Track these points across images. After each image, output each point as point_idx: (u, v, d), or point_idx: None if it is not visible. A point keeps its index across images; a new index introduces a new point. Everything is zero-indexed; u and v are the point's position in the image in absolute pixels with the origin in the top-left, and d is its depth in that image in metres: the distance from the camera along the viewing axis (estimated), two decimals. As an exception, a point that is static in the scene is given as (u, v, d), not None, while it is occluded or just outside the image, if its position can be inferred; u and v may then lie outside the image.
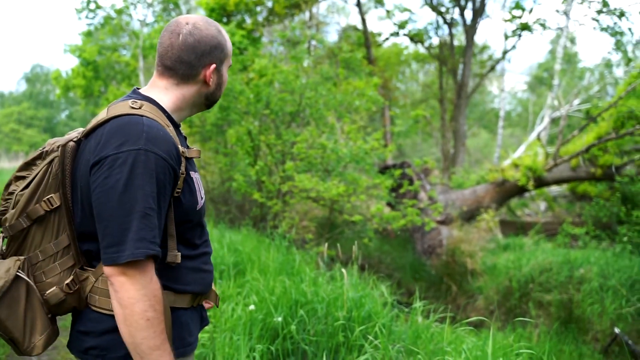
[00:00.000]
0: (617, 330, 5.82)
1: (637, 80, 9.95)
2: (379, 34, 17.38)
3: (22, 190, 1.38)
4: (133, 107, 1.36)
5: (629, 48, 16.57)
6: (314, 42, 14.22)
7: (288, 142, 7.66)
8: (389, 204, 9.21)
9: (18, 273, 1.34)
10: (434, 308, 4.18)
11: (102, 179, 1.26)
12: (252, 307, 3.47)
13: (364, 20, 15.18)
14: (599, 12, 15.51)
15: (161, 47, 1.45)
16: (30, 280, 1.36)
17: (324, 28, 19.82)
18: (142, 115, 1.34)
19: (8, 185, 1.43)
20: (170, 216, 1.36)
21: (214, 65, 1.48)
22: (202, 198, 1.48)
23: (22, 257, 1.37)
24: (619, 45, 16.58)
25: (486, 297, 7.82)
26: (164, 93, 1.47)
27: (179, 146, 1.36)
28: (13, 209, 1.38)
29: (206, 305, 1.65)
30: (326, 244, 4.55)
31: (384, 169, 10.29)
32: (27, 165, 1.41)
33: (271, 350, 3.23)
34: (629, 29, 17.78)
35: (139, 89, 1.49)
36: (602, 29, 16.04)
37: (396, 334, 3.42)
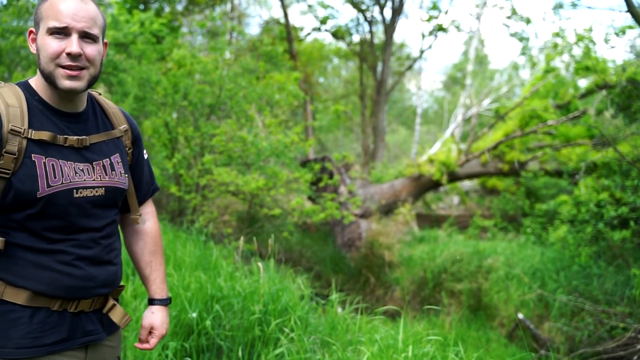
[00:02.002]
0: (520, 315, 6.22)
1: (540, 82, 10.65)
2: (301, 29, 17.41)
3: None
4: None
5: (534, 52, 17.72)
6: (235, 34, 14.01)
7: (207, 134, 7.49)
8: (309, 198, 9.28)
9: None
10: (351, 299, 4.25)
11: None
12: (165, 303, 3.36)
13: (286, 14, 15.14)
14: (509, 17, 16.46)
15: None
16: None
17: (245, 20, 19.58)
18: None
19: None
20: None
21: (30, 29, 1.40)
22: (51, 186, 1.34)
23: None
24: (524, 50, 17.69)
25: (402, 287, 8.09)
26: (37, 73, 1.42)
27: (9, 124, 1.29)
28: None
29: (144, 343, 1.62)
30: (242, 238, 4.50)
31: (304, 163, 10.35)
32: None
33: (185, 347, 3.15)
34: (535, 34, 18.94)
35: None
36: (511, 35, 17.05)
37: (312, 325, 3.45)
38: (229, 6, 16.91)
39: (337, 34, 17.28)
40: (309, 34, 17.50)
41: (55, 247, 1.37)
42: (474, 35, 16.44)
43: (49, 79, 1.36)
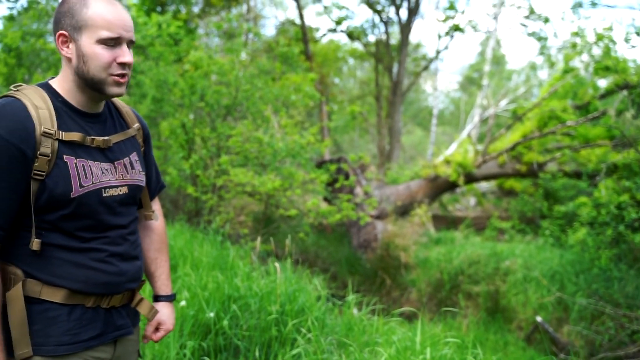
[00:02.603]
0: (539, 318, 6.14)
1: (559, 82, 10.53)
2: (317, 30, 17.43)
3: None
4: (12, 90, 1.37)
5: (553, 52, 17.50)
6: (250, 35, 14.07)
7: (223, 135, 7.53)
8: (325, 199, 9.27)
9: None
10: (367, 301, 4.24)
11: None
12: (183, 303, 3.38)
13: (301, 15, 15.16)
14: (526, 17, 16.29)
15: None
16: None
17: (261, 21, 19.65)
18: (10, 97, 1.34)
19: None
20: (29, 199, 1.32)
21: (60, 32, 1.39)
22: (83, 187, 1.37)
23: None
24: (543, 50, 17.49)
25: (419, 289, 8.04)
26: (60, 75, 1.45)
27: (41, 127, 1.31)
28: None
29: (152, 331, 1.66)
30: (259, 238, 4.51)
31: (320, 164, 10.34)
32: None
33: (203, 347, 3.17)
34: (554, 33, 18.74)
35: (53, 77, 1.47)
36: (529, 34, 16.86)
37: (329, 326, 3.44)
38: (244, 8, 17.00)
39: (352, 35, 17.26)
40: (324, 35, 17.51)
41: (88, 245, 1.40)
42: (491, 35, 16.30)
43: (97, 85, 1.40)
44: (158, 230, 1.77)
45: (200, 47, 9.30)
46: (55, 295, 1.36)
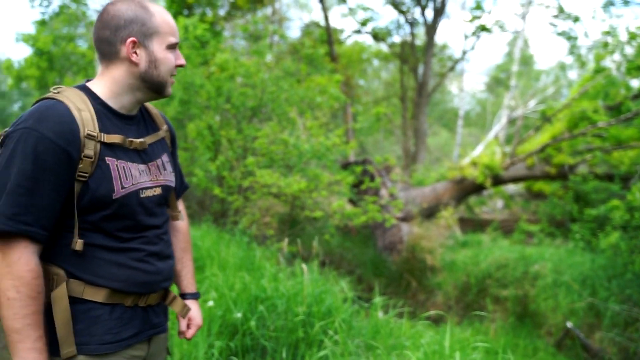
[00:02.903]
0: (569, 324, 6.00)
1: (589, 83, 10.30)
2: (342, 31, 17.41)
3: None
4: (53, 92, 1.38)
5: (583, 51, 17.14)
6: (276, 38, 14.13)
7: (249, 137, 7.57)
8: (350, 201, 9.24)
9: None
10: (394, 303, 4.20)
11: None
12: (210, 303, 3.40)
13: (326, 17, 15.17)
14: (555, 16, 15.99)
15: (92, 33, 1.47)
16: None
17: (286, 23, 19.73)
18: (52, 99, 1.36)
19: None
20: (73, 200, 1.34)
21: (131, 39, 1.40)
22: (124, 188, 1.40)
23: None
24: (573, 49, 17.15)
25: (445, 292, 7.95)
26: (99, 79, 1.46)
27: (85, 129, 1.33)
28: None
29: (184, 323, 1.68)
30: (286, 240, 4.51)
31: (345, 166, 10.31)
32: None
33: (230, 347, 3.18)
34: (584, 33, 18.34)
35: (89, 80, 1.49)
36: (558, 34, 16.55)
37: (356, 329, 3.42)
38: (270, 10, 17.09)
39: (377, 36, 17.19)
40: (349, 36, 17.49)
41: (127, 245, 1.43)
42: (519, 34, 16.06)
43: (160, 87, 1.48)
44: (183, 230, 1.81)
45: (226, 50, 9.38)
46: (97, 295, 1.38)
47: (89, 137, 1.33)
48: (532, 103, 17.44)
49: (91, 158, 1.33)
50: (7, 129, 1.33)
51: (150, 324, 1.52)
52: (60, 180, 1.30)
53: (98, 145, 1.35)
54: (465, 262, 8.25)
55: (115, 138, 1.40)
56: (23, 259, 1.26)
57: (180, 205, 1.83)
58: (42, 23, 20.17)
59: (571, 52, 17.21)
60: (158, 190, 1.52)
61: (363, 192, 9.37)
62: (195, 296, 1.78)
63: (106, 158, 1.37)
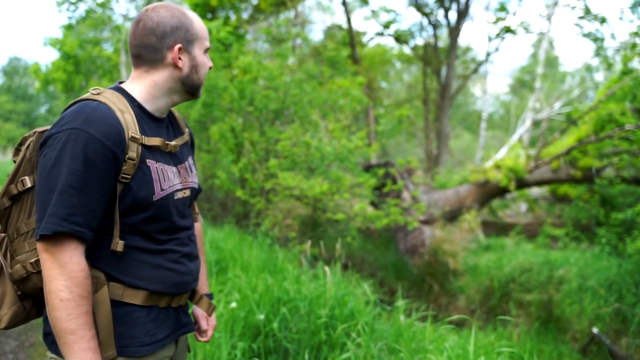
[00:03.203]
0: (595, 330, 5.89)
1: (616, 85, 10.11)
2: (364, 34, 17.40)
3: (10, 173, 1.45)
4: (92, 94, 1.40)
5: (610, 53, 16.83)
6: (298, 40, 14.18)
7: (272, 139, 7.61)
8: (372, 203, 9.22)
9: None
10: (416, 307, 4.18)
11: (42, 156, 1.32)
12: (233, 304, 3.43)
13: (349, 20, 15.18)
14: (581, 17, 15.72)
15: (128, 39, 1.48)
16: (7, 256, 1.42)
17: (309, 26, 19.78)
18: (94, 100, 1.37)
19: None
20: (115, 202, 1.35)
21: (178, 46, 1.44)
22: (163, 190, 1.42)
23: (2, 234, 1.43)
24: (599, 51, 16.84)
25: (467, 296, 7.88)
26: (136, 82, 1.48)
27: (129, 131, 1.35)
28: None
29: (200, 320, 1.69)
30: (309, 242, 4.52)
31: (367, 168, 10.30)
32: (17, 151, 1.47)
33: (253, 348, 3.20)
34: (611, 34, 17.99)
35: (122, 82, 1.50)
36: (584, 35, 16.27)
37: (378, 332, 3.41)
38: (292, 13, 17.16)
39: (400, 38, 17.14)
40: (371, 38, 17.46)
41: (164, 247, 1.45)
42: (544, 36, 15.84)
43: (196, 90, 1.54)
44: (199, 231, 1.83)
45: (249, 53, 9.45)
46: (136, 298, 1.40)
47: (133, 139, 1.36)
48: (557, 105, 17.18)
49: (134, 160, 1.35)
50: (49, 129, 1.34)
51: (181, 324, 1.55)
52: (107, 182, 1.32)
53: (140, 148, 1.37)
54: (489, 266, 8.16)
55: (155, 141, 1.42)
56: (74, 259, 1.27)
57: (195, 208, 1.86)
58: (69, 27, 20.60)
59: (597, 54, 16.90)
60: (187, 192, 1.54)
61: (385, 194, 9.35)
62: (210, 297, 1.80)
63: (147, 160, 1.39)
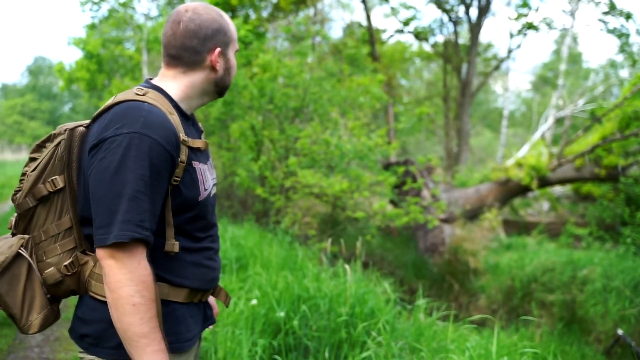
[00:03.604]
0: (620, 331, 5.78)
1: (643, 81, 9.89)
2: (384, 31, 17.30)
3: (32, 171, 1.41)
4: (137, 94, 1.38)
5: (635, 49, 16.47)
6: (318, 38, 14.17)
7: (291, 137, 7.62)
8: (391, 202, 9.17)
9: (20, 251, 1.37)
10: (437, 306, 4.15)
11: (97, 160, 1.28)
12: (254, 301, 3.45)
13: (368, 17, 15.11)
14: (606, 13, 15.42)
15: (165, 38, 1.46)
16: (33, 259, 1.39)
17: (328, 24, 19.75)
18: (144, 102, 1.35)
19: (25, 166, 1.47)
20: (168, 204, 1.35)
21: (218, 49, 1.46)
22: (206, 190, 1.45)
23: (26, 236, 1.40)
24: (624, 47, 16.49)
25: (488, 296, 7.79)
26: (172, 82, 1.47)
27: (180, 134, 1.36)
28: None
29: (215, 310, 1.69)
30: (329, 240, 4.51)
31: (387, 166, 10.25)
32: (39, 147, 1.44)
33: (273, 345, 3.21)
34: (637, 30, 17.61)
35: (151, 79, 1.51)
36: (609, 31, 15.95)
37: (399, 331, 3.39)
38: (312, 11, 17.14)
39: (420, 35, 17.01)
40: (391, 36, 17.36)
41: (201, 245, 1.48)
42: (568, 32, 15.57)
43: (225, 90, 1.57)
44: None
45: (269, 51, 9.47)
46: (179, 296, 1.43)
47: (183, 142, 1.37)
48: (580, 102, 16.89)
49: (184, 163, 1.36)
50: (102, 132, 1.31)
51: (206, 317, 1.59)
52: (165, 185, 1.33)
53: (187, 150, 1.38)
54: (510, 265, 8.07)
55: (199, 143, 1.44)
56: (142, 263, 1.27)
57: None
58: (92, 27, 20.90)
59: (622, 50, 16.56)
60: (215, 189, 1.57)
61: (405, 193, 9.29)
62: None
63: (193, 162, 1.41)
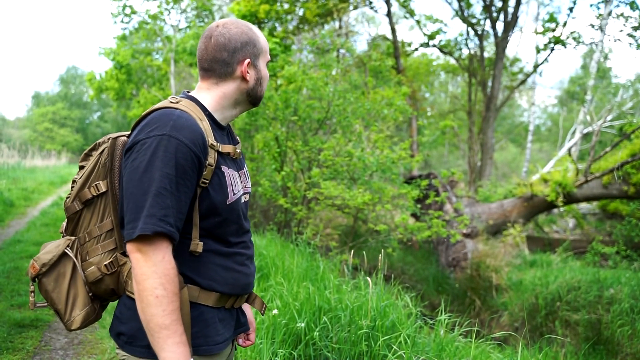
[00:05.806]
0: (647, 353, 5.64)
1: (674, 98, 9.69)
2: (409, 44, 17.32)
3: (80, 177, 1.52)
4: (171, 102, 1.47)
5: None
6: (343, 51, 14.26)
7: (315, 148, 7.66)
8: (413, 215, 9.12)
9: (66, 250, 1.49)
10: (458, 322, 4.10)
11: (130, 161, 1.37)
12: (275, 311, 3.46)
13: (393, 30, 15.15)
14: (636, 28, 15.18)
15: (199, 53, 1.55)
16: (77, 259, 1.49)
17: (353, 37, 19.85)
18: (176, 108, 1.44)
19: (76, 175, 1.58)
20: (195, 205, 1.41)
21: (247, 60, 1.53)
22: (234, 194, 1.49)
23: (72, 238, 1.51)
24: (655, 62, 16.14)
25: (511, 313, 7.67)
26: (206, 93, 1.56)
27: (209, 138, 1.43)
28: None
29: (249, 317, 1.72)
30: (352, 252, 4.52)
31: (409, 179, 10.21)
32: (86, 156, 1.57)
33: (293, 356, 3.21)
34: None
35: (188, 92, 1.59)
36: (639, 46, 15.69)
37: (420, 345, 3.36)
38: (337, 24, 17.27)
39: (445, 49, 16.98)
40: (416, 49, 17.36)
41: (233, 249, 1.52)
42: (596, 47, 15.37)
43: (258, 101, 1.62)
44: None
45: (294, 63, 9.57)
46: (209, 299, 1.47)
47: (211, 146, 1.44)
48: (608, 118, 16.61)
49: (212, 166, 1.43)
50: (135, 135, 1.39)
51: (239, 323, 1.63)
52: (192, 185, 1.39)
53: (216, 154, 1.45)
54: (534, 282, 7.93)
55: (227, 148, 1.51)
56: (167, 257, 1.33)
57: None
58: (122, 38, 21.39)
59: (653, 65, 16.23)
60: (247, 197, 1.63)
61: (427, 206, 9.24)
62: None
63: (221, 166, 1.47)
